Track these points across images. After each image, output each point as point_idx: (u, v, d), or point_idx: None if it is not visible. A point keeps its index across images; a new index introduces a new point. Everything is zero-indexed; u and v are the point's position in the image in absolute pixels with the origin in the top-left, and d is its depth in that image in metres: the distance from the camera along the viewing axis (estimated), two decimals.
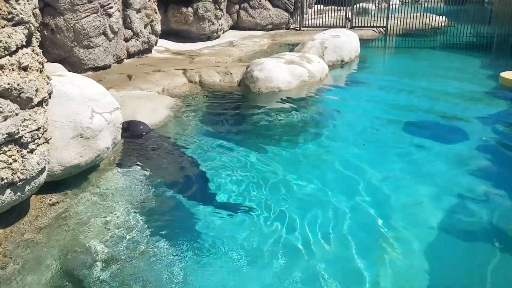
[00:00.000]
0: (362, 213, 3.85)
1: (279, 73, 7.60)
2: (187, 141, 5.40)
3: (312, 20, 15.44)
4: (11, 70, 3.04)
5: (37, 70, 3.36)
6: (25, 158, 3.21)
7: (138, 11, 9.25)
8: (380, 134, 5.63)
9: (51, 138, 3.58)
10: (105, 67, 8.40)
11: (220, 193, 4.16)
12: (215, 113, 6.57)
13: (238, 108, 6.89)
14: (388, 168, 4.67)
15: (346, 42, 9.99)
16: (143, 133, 5.30)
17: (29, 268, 3.06)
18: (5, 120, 3.00)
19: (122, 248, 3.31)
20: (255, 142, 5.45)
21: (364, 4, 19.57)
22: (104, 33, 8.14)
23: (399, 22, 14.80)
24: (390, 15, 14.49)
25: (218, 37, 12.71)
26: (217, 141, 5.39)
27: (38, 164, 3.32)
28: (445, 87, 7.88)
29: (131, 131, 5.26)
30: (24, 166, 3.20)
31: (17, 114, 3.09)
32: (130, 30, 9.13)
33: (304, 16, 15.34)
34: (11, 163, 3.10)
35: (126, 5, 8.91)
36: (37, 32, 3.45)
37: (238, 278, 3.09)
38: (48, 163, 3.57)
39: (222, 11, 12.56)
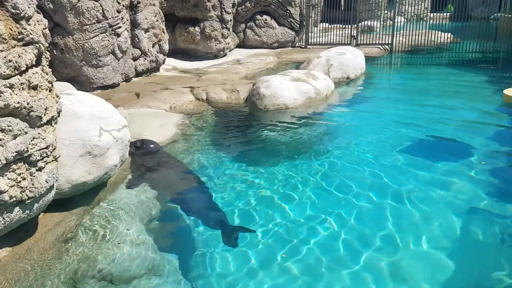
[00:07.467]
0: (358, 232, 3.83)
1: (285, 90, 7.64)
2: (195, 159, 5.41)
3: (318, 38, 15.58)
4: (21, 89, 3.08)
5: (47, 89, 3.41)
6: (34, 176, 3.23)
7: (146, 30, 9.39)
8: (386, 152, 5.60)
9: (59, 156, 3.60)
10: (113, 86, 8.49)
11: (228, 211, 4.14)
12: (222, 131, 6.59)
13: (245, 125, 6.91)
14: (390, 186, 4.66)
15: (352, 59, 10.03)
16: (155, 151, 5.35)
17: (37, 287, 3.04)
18: (14, 138, 3.03)
19: (130, 267, 3.29)
20: (262, 159, 5.45)
21: (369, 22, 19.73)
22: (112, 53, 8.26)
23: (404, 39, 14.87)
24: (395, 33, 14.57)
25: (225, 55, 12.85)
26: (224, 159, 5.41)
27: (47, 182, 3.34)
28: (449, 106, 7.82)
29: (145, 149, 5.33)
30: (32, 184, 3.22)
31: (26, 133, 3.12)
32: (138, 49, 9.26)
33: (310, 34, 15.48)
34: (20, 181, 3.12)
35: (134, 24, 9.07)
36: (46, 51, 3.51)
37: None
38: (57, 181, 3.59)
39: (229, 30, 12.71)
